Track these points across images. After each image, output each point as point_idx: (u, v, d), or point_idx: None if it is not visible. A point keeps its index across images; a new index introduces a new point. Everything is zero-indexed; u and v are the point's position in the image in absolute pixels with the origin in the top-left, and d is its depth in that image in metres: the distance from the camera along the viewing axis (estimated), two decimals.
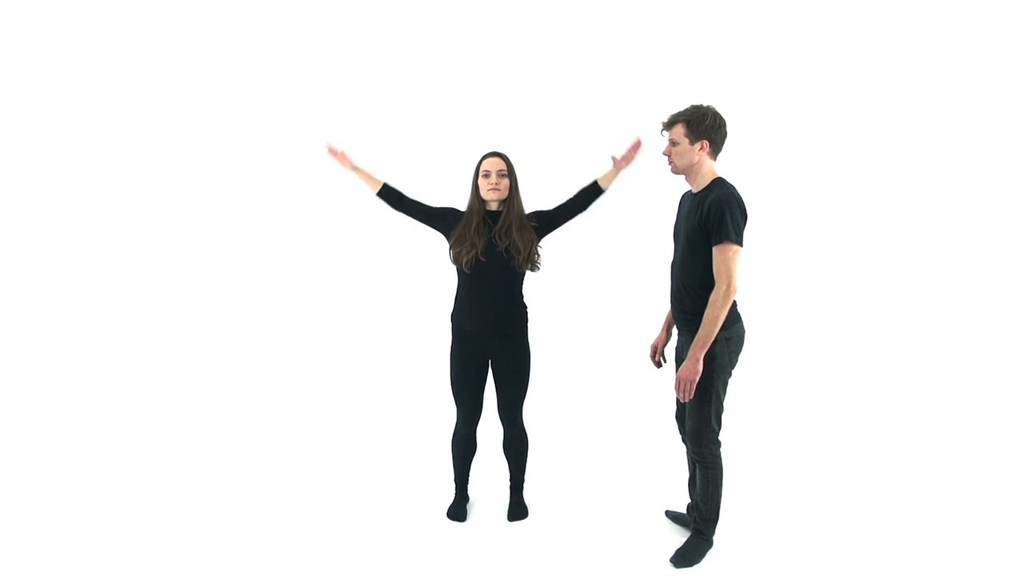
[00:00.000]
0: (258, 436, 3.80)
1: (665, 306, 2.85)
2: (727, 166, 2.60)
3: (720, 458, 2.64)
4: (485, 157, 2.71)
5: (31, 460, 3.47)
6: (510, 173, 2.70)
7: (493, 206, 2.72)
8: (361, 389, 4.43)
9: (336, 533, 2.87)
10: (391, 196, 2.84)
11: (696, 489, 2.74)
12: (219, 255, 4.90)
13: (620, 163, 2.79)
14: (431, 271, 2.85)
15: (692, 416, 2.59)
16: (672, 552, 2.71)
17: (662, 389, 4.26)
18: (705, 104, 2.52)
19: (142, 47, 4.68)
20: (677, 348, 2.78)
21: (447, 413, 3.08)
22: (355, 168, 2.90)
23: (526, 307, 2.84)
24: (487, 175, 2.67)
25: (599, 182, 2.80)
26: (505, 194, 2.69)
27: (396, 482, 3.31)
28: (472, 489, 3.14)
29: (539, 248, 2.74)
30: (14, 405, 4.10)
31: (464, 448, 2.99)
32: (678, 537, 2.83)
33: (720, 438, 2.63)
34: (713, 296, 2.40)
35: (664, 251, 2.79)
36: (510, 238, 2.66)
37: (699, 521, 2.72)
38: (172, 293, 4.87)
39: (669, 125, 2.54)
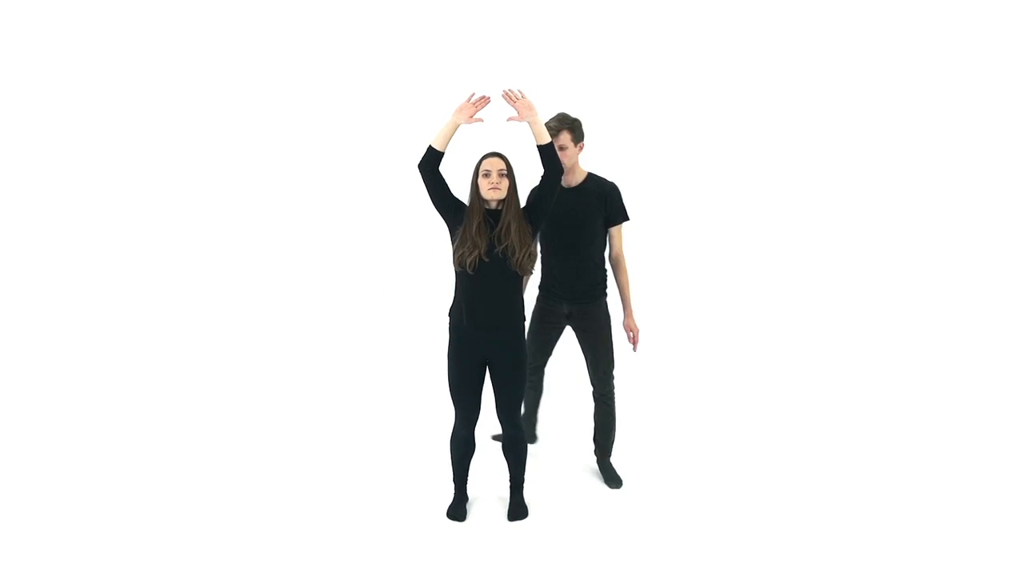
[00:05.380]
0: (258, 436, 3.80)
1: (661, 303, 2.92)
2: (724, 166, 2.62)
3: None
4: (485, 157, 2.72)
5: (31, 460, 3.48)
6: (510, 173, 2.70)
7: (492, 205, 2.73)
8: (360, 389, 4.43)
9: (336, 533, 2.87)
10: (436, 161, 2.72)
11: (596, 428, 3.30)
12: (219, 255, 4.91)
13: (521, 118, 2.73)
14: (430, 270, 2.85)
15: (606, 361, 3.18)
16: (675, 552, 2.74)
17: (660, 388, 4.28)
18: (569, 113, 2.98)
19: (143, 48, 4.69)
20: (563, 315, 3.17)
21: (446, 412, 3.09)
22: (459, 124, 2.72)
23: (524, 307, 2.84)
24: (487, 175, 2.67)
25: (537, 145, 2.73)
26: (505, 194, 2.69)
27: (396, 482, 3.31)
28: (472, 489, 3.14)
29: (534, 251, 2.73)
30: (14, 405, 4.11)
31: (462, 449, 2.99)
32: (679, 535, 2.84)
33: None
34: (624, 266, 3.11)
35: (660, 251, 2.81)
36: (509, 238, 2.67)
37: (604, 451, 3.32)
38: (172, 293, 4.88)
39: (556, 132, 2.91)
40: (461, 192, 2.80)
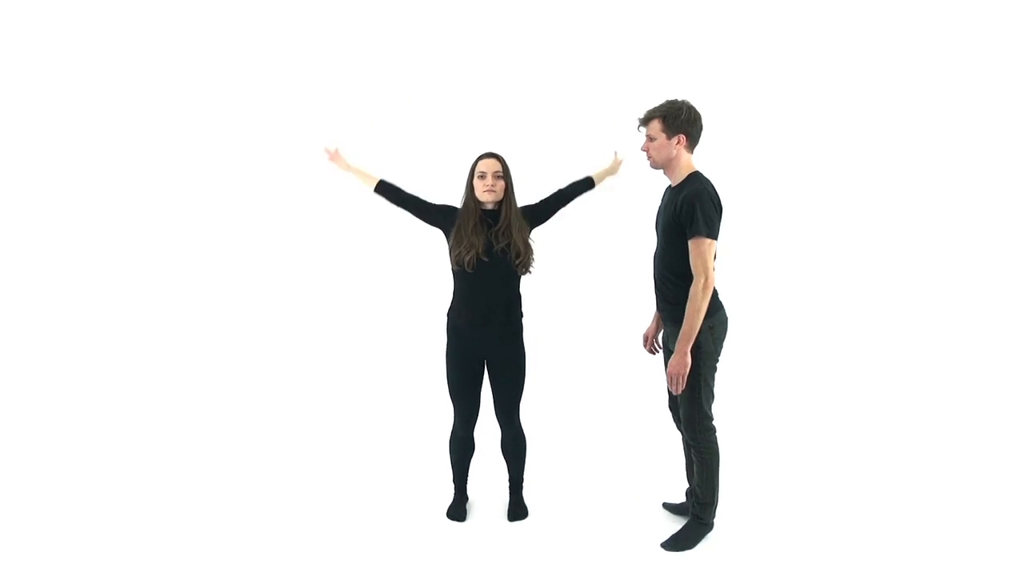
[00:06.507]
0: (258, 436, 3.82)
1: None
2: (721, 161, 2.61)
3: (715, 443, 2.71)
4: (481, 158, 2.71)
5: (31, 460, 3.49)
6: (506, 174, 2.70)
7: (489, 206, 2.72)
8: (360, 389, 4.44)
9: (336, 533, 2.88)
10: (389, 192, 2.84)
11: (693, 475, 2.81)
12: (218, 256, 4.92)
13: (615, 167, 2.91)
14: (428, 270, 2.85)
15: (684, 405, 2.68)
16: (674, 552, 2.73)
17: (658, 385, 4.27)
18: (680, 99, 2.57)
19: (143, 48, 4.70)
20: (663, 337, 2.84)
21: (446, 412, 3.09)
22: (349, 168, 2.93)
23: (522, 306, 2.84)
24: (483, 176, 2.67)
25: (593, 177, 2.91)
26: (501, 195, 2.68)
27: (396, 482, 3.32)
28: (472, 489, 3.15)
29: (533, 252, 2.75)
30: (14, 405, 4.13)
31: (462, 450, 3.00)
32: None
33: (714, 424, 2.70)
34: (692, 290, 2.48)
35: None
36: (509, 238, 2.67)
37: (696, 506, 2.79)
38: (172, 296, 4.89)
39: (645, 121, 2.59)
40: (456, 191, 2.79)
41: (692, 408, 2.65)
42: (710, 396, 2.66)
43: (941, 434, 3.72)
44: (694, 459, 2.75)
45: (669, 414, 2.94)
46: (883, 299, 4.83)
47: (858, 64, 4.70)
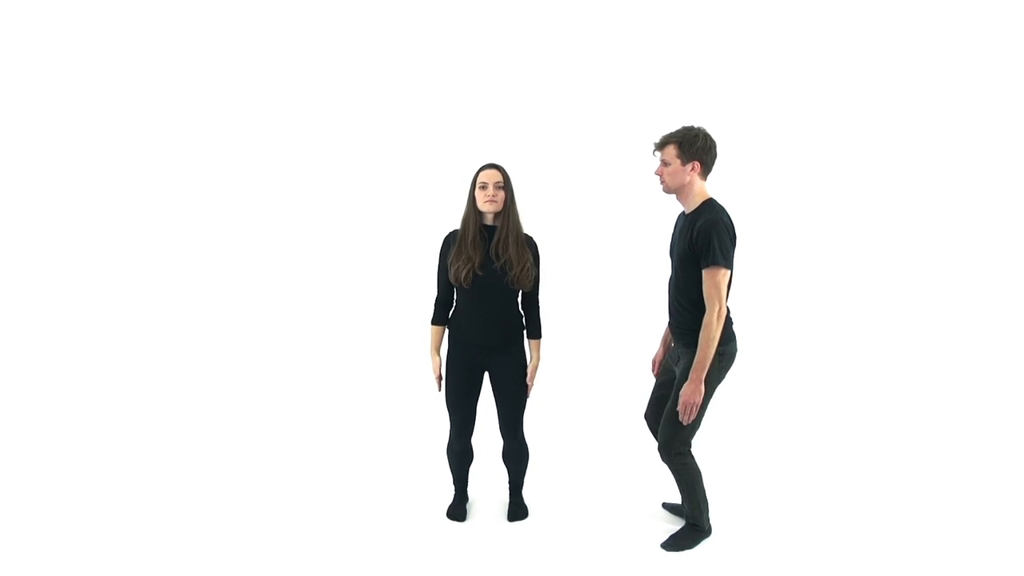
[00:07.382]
0: (258, 436, 3.84)
1: (661, 314, 2.88)
2: (726, 174, 2.62)
3: (691, 465, 2.74)
4: (482, 169, 2.72)
5: (31, 461, 3.51)
6: (507, 185, 2.70)
7: (489, 219, 2.73)
8: (361, 389, 4.45)
9: (336, 533, 2.90)
10: (448, 307, 2.87)
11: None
12: (220, 259, 4.92)
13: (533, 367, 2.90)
14: (433, 274, 2.86)
15: (666, 425, 2.69)
16: (673, 552, 2.78)
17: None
18: (696, 126, 2.57)
19: (145, 51, 4.70)
20: (670, 356, 2.86)
21: (446, 413, 3.11)
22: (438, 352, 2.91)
23: (522, 320, 2.86)
24: (484, 187, 2.67)
25: (529, 337, 2.89)
26: (501, 206, 2.69)
27: (396, 482, 3.34)
28: (472, 489, 3.17)
29: (534, 271, 2.73)
30: (14, 405, 4.16)
31: (459, 460, 3.02)
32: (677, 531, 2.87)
33: (690, 451, 2.72)
34: (706, 320, 2.51)
35: (657, 260, 2.81)
36: (507, 252, 2.67)
37: (689, 516, 2.85)
38: (174, 298, 4.89)
39: (661, 146, 2.59)
40: (458, 203, 2.81)
41: (673, 430, 2.66)
42: (696, 426, 2.66)
43: (937, 441, 3.75)
44: (674, 478, 2.80)
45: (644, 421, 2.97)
46: (878, 308, 4.84)
47: (868, 87, 4.67)
